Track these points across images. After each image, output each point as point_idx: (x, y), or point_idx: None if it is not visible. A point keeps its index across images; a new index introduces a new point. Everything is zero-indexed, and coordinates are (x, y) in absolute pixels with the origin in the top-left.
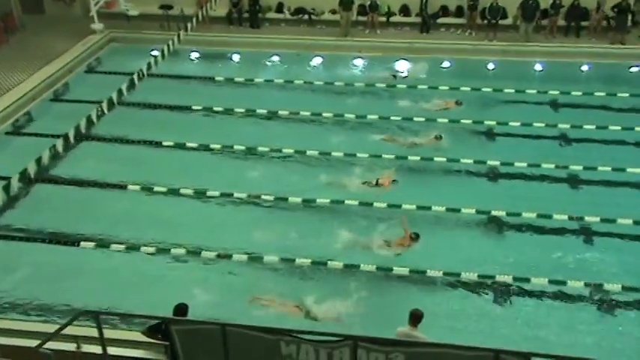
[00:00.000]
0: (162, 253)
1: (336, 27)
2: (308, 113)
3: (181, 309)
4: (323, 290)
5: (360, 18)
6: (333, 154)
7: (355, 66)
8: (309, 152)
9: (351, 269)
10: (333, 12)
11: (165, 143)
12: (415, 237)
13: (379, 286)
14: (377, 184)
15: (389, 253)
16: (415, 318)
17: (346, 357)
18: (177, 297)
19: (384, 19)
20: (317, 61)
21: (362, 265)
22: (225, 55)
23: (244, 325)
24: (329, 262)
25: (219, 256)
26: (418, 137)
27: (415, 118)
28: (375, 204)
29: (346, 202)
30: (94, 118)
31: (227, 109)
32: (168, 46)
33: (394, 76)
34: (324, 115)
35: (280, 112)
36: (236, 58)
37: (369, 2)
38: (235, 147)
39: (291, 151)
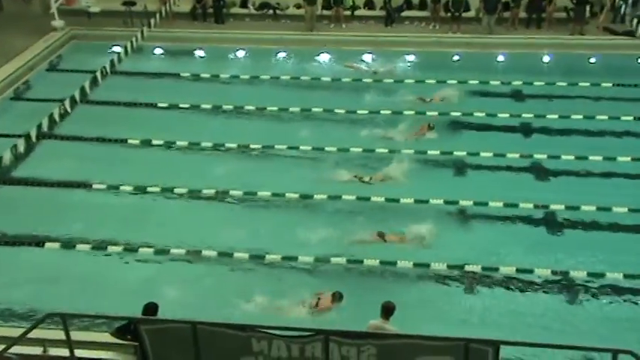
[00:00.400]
0: (130, 253)
1: (301, 21)
2: (275, 108)
3: (151, 308)
4: (299, 286)
5: (325, 12)
6: (302, 147)
7: (321, 60)
8: (277, 147)
9: (323, 263)
10: (298, 6)
11: (130, 141)
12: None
13: (353, 280)
14: (369, 180)
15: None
16: (387, 310)
17: (318, 352)
18: (146, 296)
19: (348, 12)
20: (282, 55)
21: (333, 259)
22: (190, 51)
23: (215, 322)
24: (300, 257)
25: (188, 253)
26: (409, 131)
27: (382, 112)
28: (345, 196)
29: (316, 196)
30: (56, 116)
31: (193, 106)
32: (131, 42)
33: (374, 72)
34: (291, 109)
35: (247, 108)
36: (201, 53)
37: None
38: (202, 143)
39: (258, 146)
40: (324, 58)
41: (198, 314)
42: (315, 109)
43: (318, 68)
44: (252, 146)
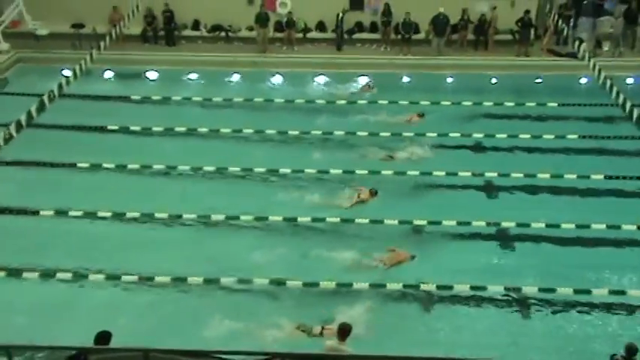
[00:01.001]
0: (80, 280)
1: (254, 44)
2: (228, 130)
3: (103, 337)
4: (257, 309)
5: (277, 34)
6: (255, 169)
7: (274, 82)
8: (230, 169)
9: (279, 285)
10: (250, 29)
11: (79, 165)
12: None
13: (311, 300)
14: (358, 197)
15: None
16: (343, 332)
17: None
18: (98, 325)
19: (300, 35)
20: (235, 77)
21: (288, 283)
22: (141, 73)
23: (167, 349)
24: (255, 280)
25: (140, 279)
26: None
27: (336, 132)
28: (301, 218)
29: (270, 217)
30: (1, 141)
31: (144, 128)
32: (80, 65)
33: (369, 87)
34: (245, 131)
35: (200, 130)
36: (152, 76)
37: (285, 19)
38: (154, 166)
39: (212, 168)
40: (277, 80)
41: (153, 341)
42: (268, 131)
43: (272, 90)
44: (205, 168)
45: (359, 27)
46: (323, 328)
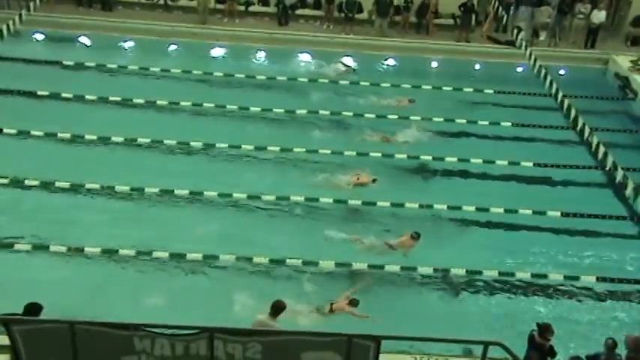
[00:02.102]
0: (6, 250)
1: (194, 13)
2: (165, 102)
3: (33, 309)
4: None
5: (219, 6)
6: (192, 143)
7: (214, 54)
8: (166, 142)
9: (211, 260)
10: None
11: (6, 131)
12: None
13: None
14: (358, 181)
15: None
16: (276, 309)
17: (203, 349)
18: (27, 297)
19: (242, 7)
20: (174, 48)
21: (221, 256)
22: (74, 38)
23: (94, 322)
24: (188, 254)
25: (69, 250)
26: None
27: (275, 110)
28: (236, 194)
29: (205, 193)
30: None
31: (77, 96)
32: (8, 25)
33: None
34: (182, 104)
35: (135, 100)
36: (86, 41)
37: None
38: (86, 136)
39: (147, 140)
40: (218, 52)
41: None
42: (207, 105)
43: (211, 62)
44: (140, 140)
45: (302, 2)
46: (332, 304)
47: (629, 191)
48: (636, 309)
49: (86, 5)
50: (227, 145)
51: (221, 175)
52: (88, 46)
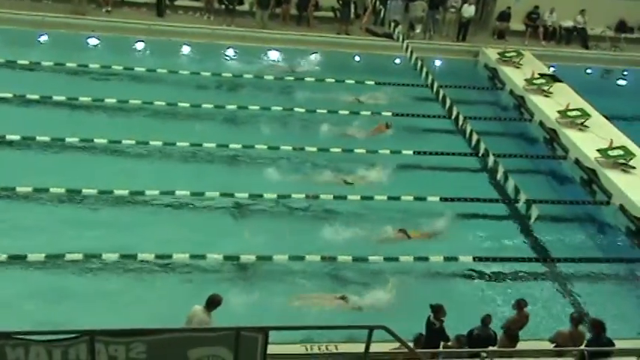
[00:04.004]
0: None
1: (69, 3)
2: (36, 96)
3: None
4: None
5: None
6: (68, 139)
7: (91, 46)
8: (39, 138)
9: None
10: None
11: None
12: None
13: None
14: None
15: None
16: (211, 303)
17: (83, 354)
18: None
19: None
20: (45, 39)
21: (139, 255)
22: None
23: None
24: (103, 255)
25: None
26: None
27: (157, 102)
28: (117, 191)
29: (84, 191)
30: None
31: None
32: None
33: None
34: (55, 98)
35: (2, 95)
36: None
37: None
38: None
39: (17, 137)
40: (93, 42)
41: None
42: (83, 99)
43: (86, 55)
44: (9, 137)
45: None
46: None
47: (499, 175)
48: (511, 286)
49: None
50: (106, 140)
51: (100, 172)
52: None
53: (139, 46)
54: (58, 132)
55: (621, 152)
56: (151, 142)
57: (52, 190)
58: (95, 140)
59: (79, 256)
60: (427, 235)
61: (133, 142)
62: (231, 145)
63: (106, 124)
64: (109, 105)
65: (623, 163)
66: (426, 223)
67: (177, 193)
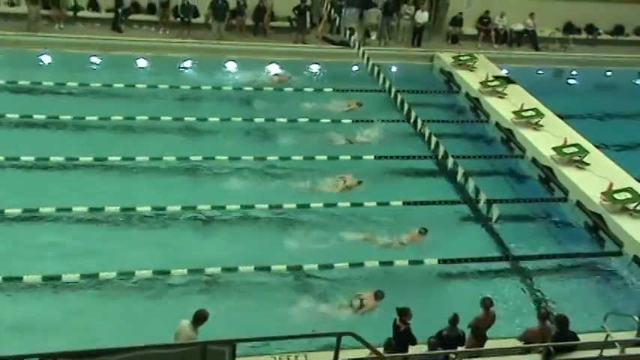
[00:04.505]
0: None
1: (17, 20)
2: None
3: None
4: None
5: (44, 11)
6: (23, 158)
7: (44, 63)
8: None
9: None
10: (11, 4)
11: None
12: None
13: None
14: (345, 186)
15: None
16: (197, 318)
17: None
18: None
19: (71, 13)
20: None
21: (101, 273)
22: None
23: None
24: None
25: None
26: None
27: (113, 117)
28: (75, 208)
29: (41, 209)
30: None
31: None
32: None
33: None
34: (9, 116)
35: None
36: None
37: None
38: None
39: None
40: (47, 60)
41: None
42: (37, 116)
43: (40, 72)
44: None
45: (136, 8)
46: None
47: (459, 177)
48: (475, 285)
49: None
50: (63, 157)
51: (57, 190)
52: None
53: (95, 61)
54: (13, 151)
55: (575, 149)
56: (110, 158)
57: (7, 210)
58: (51, 158)
59: (37, 279)
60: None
61: (91, 158)
62: (192, 157)
63: (63, 141)
64: (65, 122)
65: (578, 160)
66: (390, 228)
67: (139, 208)
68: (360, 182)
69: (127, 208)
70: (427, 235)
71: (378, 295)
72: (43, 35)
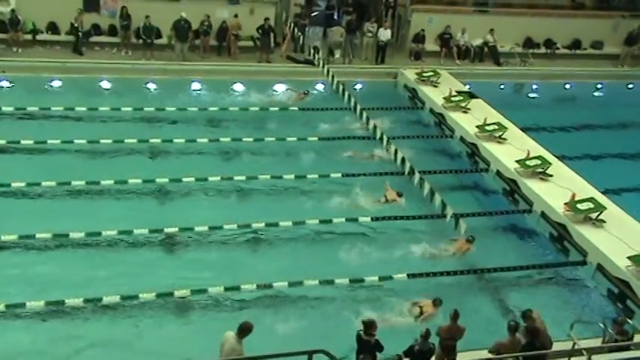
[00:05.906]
0: None
1: None
2: None
3: None
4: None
5: (1, 35)
6: None
7: (3, 87)
8: None
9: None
10: None
11: None
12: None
13: None
14: (386, 200)
15: None
16: (242, 330)
17: None
18: None
19: (29, 37)
20: None
21: (67, 300)
22: None
23: None
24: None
25: None
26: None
27: (78, 141)
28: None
29: (3, 237)
30: None
31: None
32: None
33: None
34: None
35: None
36: None
37: (8, 17)
38: None
39: None
40: (4, 84)
41: None
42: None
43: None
44: None
45: (96, 30)
46: (420, 307)
47: (426, 192)
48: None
49: None
50: (24, 183)
51: (19, 216)
52: None
53: (55, 84)
54: None
55: (538, 162)
56: (73, 182)
57: None
58: (13, 184)
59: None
60: None
61: (54, 183)
62: (158, 180)
63: (24, 167)
64: (26, 146)
65: (541, 172)
66: (360, 244)
67: (104, 233)
68: (400, 194)
69: (91, 233)
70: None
71: (436, 303)
72: (0, 59)
